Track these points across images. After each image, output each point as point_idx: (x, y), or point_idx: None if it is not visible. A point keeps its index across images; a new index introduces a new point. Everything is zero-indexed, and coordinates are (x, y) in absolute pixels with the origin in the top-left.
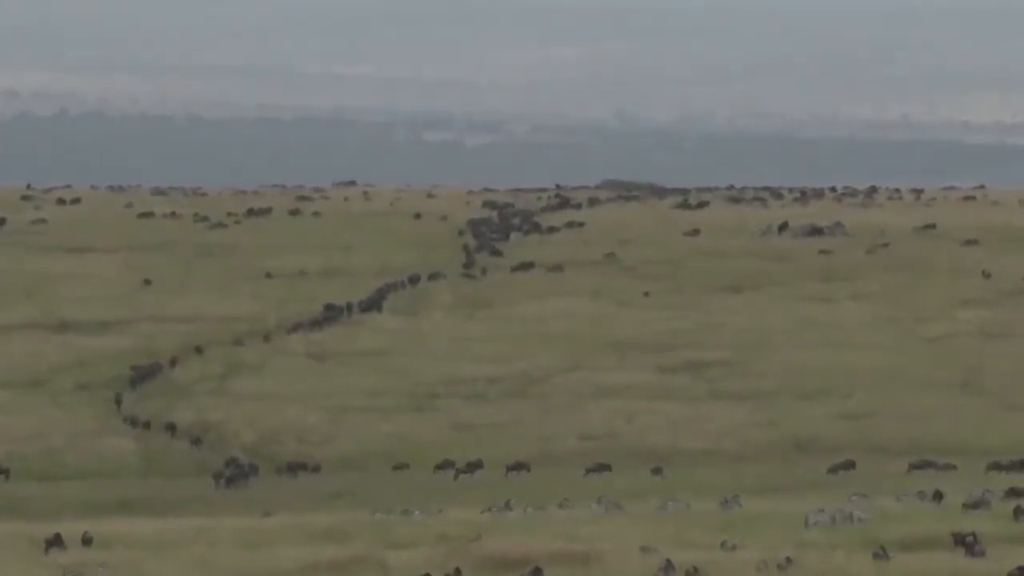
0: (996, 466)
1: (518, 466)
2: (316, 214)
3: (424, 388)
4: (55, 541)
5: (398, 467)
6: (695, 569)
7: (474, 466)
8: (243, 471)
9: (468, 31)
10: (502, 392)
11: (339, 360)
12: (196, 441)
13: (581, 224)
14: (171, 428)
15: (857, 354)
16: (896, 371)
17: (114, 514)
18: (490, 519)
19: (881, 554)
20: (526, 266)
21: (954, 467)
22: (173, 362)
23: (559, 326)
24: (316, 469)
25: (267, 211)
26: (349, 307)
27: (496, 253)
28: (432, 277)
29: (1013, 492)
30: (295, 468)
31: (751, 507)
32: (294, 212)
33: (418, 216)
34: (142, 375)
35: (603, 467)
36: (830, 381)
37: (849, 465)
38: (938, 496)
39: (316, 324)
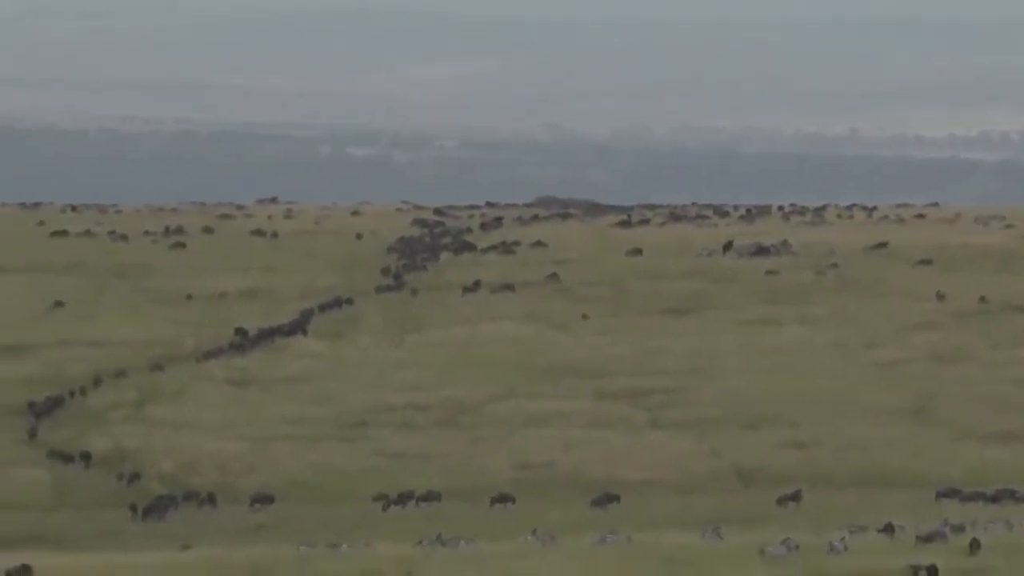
0: (951, 493)
1: (503, 498)
2: (238, 232)
3: (350, 416)
4: None
5: (379, 499)
6: None
7: (406, 497)
8: (161, 502)
9: (393, 44)
10: (432, 420)
11: (261, 386)
12: (120, 476)
13: (516, 243)
14: (85, 457)
15: (804, 380)
16: (845, 398)
17: (25, 548)
18: (421, 553)
19: None
20: (458, 287)
21: (983, 496)
22: (87, 388)
23: (492, 351)
24: (237, 500)
25: (186, 230)
26: (272, 331)
27: (426, 273)
28: (359, 299)
29: (965, 526)
30: (215, 499)
31: (694, 541)
32: (213, 230)
33: (347, 235)
34: (54, 402)
35: (611, 497)
36: (776, 409)
37: (797, 496)
38: (890, 529)
39: (237, 348)
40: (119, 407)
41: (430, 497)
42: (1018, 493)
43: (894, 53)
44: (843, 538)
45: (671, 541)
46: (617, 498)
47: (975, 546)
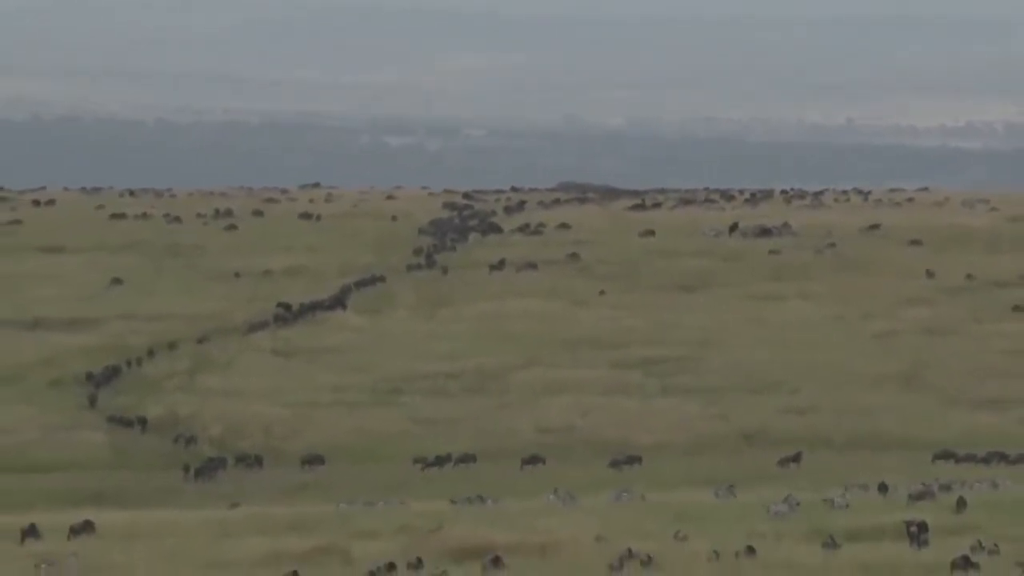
0: (945, 455)
1: (533, 459)
2: (285, 215)
3: (387, 383)
4: (30, 532)
5: (418, 460)
6: (649, 559)
7: (444, 459)
8: (212, 463)
9: (425, 41)
10: (461, 387)
11: (305, 357)
12: (176, 440)
13: (539, 225)
14: (141, 422)
15: (805, 351)
16: (842, 367)
17: (86, 506)
18: (451, 510)
19: (830, 543)
20: (485, 266)
21: (975, 458)
22: (143, 359)
23: (517, 324)
24: (282, 462)
25: (235, 212)
26: (314, 305)
27: (456, 253)
28: (394, 276)
29: (953, 486)
30: (262, 461)
31: (703, 498)
32: (263, 213)
33: (383, 217)
34: (113, 371)
35: (633, 459)
36: (779, 377)
37: (798, 457)
38: (884, 488)
39: (282, 322)
40: (173, 376)
41: (466, 459)
42: (1008, 456)
43: (889, 50)
44: (843, 495)
45: (681, 499)
46: (639, 459)
47: (961, 504)
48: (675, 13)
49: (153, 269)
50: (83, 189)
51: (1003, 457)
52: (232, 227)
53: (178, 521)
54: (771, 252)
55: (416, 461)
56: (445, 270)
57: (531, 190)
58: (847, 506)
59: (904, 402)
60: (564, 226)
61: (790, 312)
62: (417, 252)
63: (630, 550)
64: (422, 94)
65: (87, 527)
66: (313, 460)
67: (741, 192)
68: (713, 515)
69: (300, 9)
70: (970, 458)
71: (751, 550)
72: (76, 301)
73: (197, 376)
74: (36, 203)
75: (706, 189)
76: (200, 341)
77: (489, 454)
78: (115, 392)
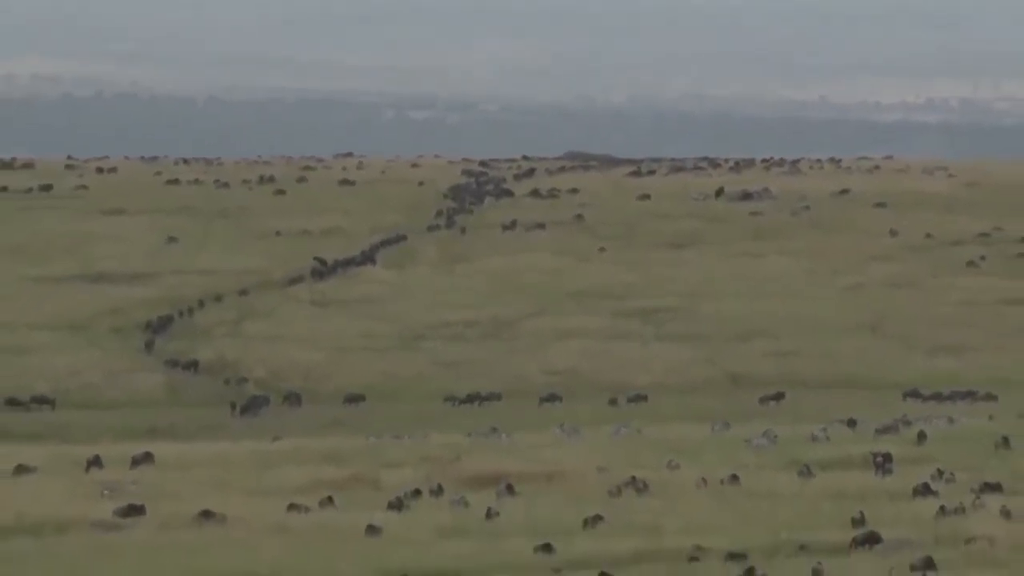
0: (914, 394)
1: (551, 397)
2: (326, 181)
3: (411, 331)
4: (94, 462)
5: (449, 399)
6: (644, 486)
7: (473, 397)
8: (256, 401)
9: (446, 26)
10: (478, 334)
11: (338, 307)
12: (227, 380)
13: (548, 190)
14: (193, 365)
15: (783, 302)
16: (816, 316)
17: (145, 439)
18: (468, 442)
19: (805, 472)
20: (499, 226)
21: (940, 396)
22: (194, 309)
23: (527, 278)
24: (319, 400)
25: (276, 179)
26: (347, 261)
27: (472, 215)
28: (418, 235)
29: (914, 421)
30: (300, 399)
31: (694, 433)
32: (306, 180)
33: (409, 183)
34: (168, 320)
35: (640, 397)
36: (760, 325)
37: (778, 396)
38: (853, 423)
39: (318, 276)
40: (221, 324)
41: (491, 397)
42: (976, 393)
43: (858, 36)
44: (824, 428)
45: (674, 433)
46: (644, 398)
47: (922, 437)
48: (672, 2)
49: (204, 229)
50: (142, 158)
51: (969, 395)
52: (280, 192)
53: (226, 453)
54: (752, 214)
55: (447, 399)
56: (463, 230)
57: (540, 159)
58: (823, 439)
59: (870, 347)
60: (570, 191)
61: (770, 268)
62: (438, 214)
63: (634, 477)
64: (444, 74)
65: (146, 458)
66: (355, 398)
67: (726, 160)
68: (702, 447)
69: (335, 2)
70: (936, 397)
71: (735, 478)
72: (135, 258)
73: (242, 324)
74: (100, 170)
75: (695, 158)
76: (244, 293)
77: (502, 393)
78: (170, 338)
